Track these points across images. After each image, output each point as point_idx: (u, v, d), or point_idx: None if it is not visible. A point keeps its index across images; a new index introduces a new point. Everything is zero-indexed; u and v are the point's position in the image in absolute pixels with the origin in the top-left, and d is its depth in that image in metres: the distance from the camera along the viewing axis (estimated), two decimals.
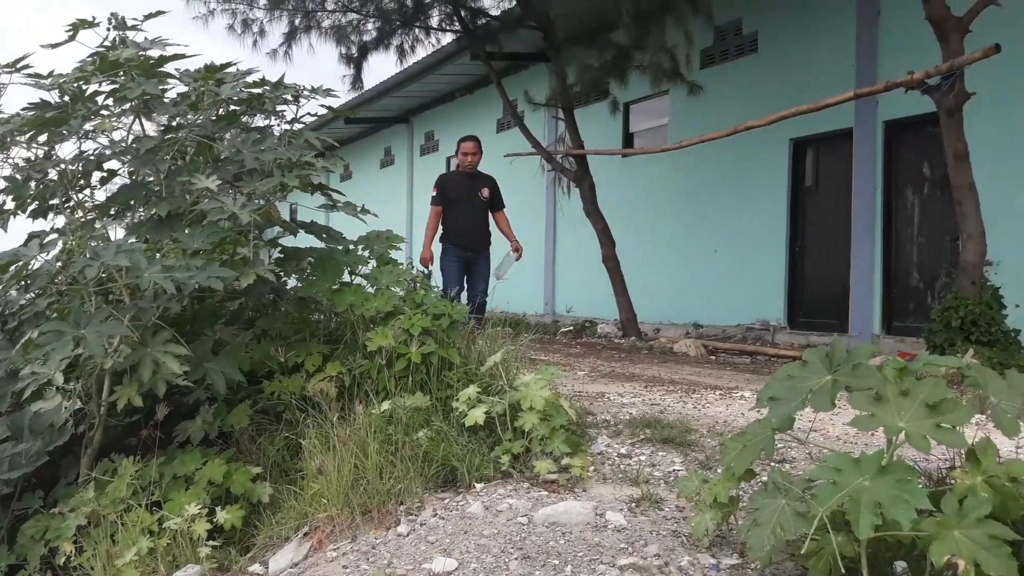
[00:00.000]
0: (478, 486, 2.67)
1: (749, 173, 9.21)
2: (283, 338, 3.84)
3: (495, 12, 9.72)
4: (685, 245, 9.93)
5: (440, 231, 6.48)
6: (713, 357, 7.05)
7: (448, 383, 3.37)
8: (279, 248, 4.16)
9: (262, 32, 9.78)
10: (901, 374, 1.96)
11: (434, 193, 6.46)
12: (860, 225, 7.97)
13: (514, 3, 9.13)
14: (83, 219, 3.85)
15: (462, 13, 9.53)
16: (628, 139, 11.13)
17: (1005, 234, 6.49)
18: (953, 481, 1.84)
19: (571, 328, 9.61)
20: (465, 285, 6.26)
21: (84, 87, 3.74)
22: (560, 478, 2.64)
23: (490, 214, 6.53)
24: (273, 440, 3.44)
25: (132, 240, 3.27)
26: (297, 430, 3.31)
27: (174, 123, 3.93)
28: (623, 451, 2.95)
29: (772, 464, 2.71)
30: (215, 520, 2.81)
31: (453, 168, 7.26)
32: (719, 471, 2.38)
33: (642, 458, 2.86)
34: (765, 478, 2.35)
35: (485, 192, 6.41)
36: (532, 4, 8.62)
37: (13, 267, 3.25)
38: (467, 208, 6.35)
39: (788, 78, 8.70)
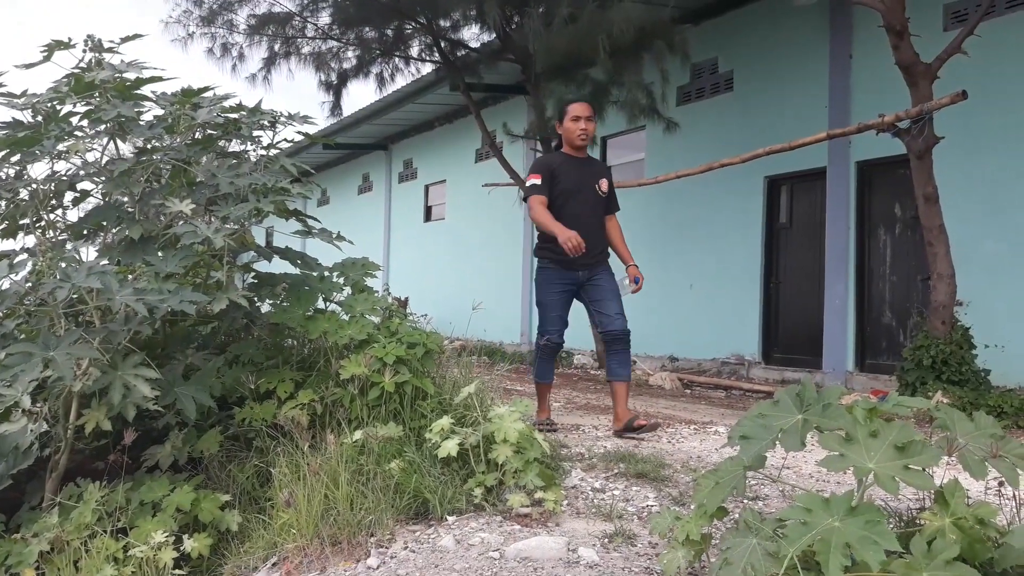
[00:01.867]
0: (450, 519, 2.64)
1: (724, 209, 9.32)
2: (255, 364, 3.80)
3: (475, 44, 9.81)
4: (661, 279, 9.99)
5: (535, 239, 4.60)
6: (688, 390, 7.07)
7: (422, 413, 3.35)
8: (253, 273, 4.14)
9: (241, 56, 9.80)
10: (871, 415, 1.98)
11: (536, 181, 4.36)
12: (834, 263, 8.09)
13: (494, 36, 9.22)
14: (54, 239, 3.81)
15: (442, 44, 9.61)
16: None
17: (975, 275, 6.62)
18: (922, 522, 1.85)
19: None
20: (568, 314, 4.47)
21: (58, 107, 3.72)
22: (533, 512, 2.63)
23: (605, 214, 4.51)
24: (243, 467, 3.39)
25: (104, 262, 3.23)
26: (268, 458, 3.27)
27: (149, 146, 3.91)
28: (597, 485, 2.94)
29: (744, 501, 2.71)
30: (182, 548, 2.76)
31: (550, 152, 4.99)
32: (692, 507, 2.38)
33: (616, 492, 2.86)
34: (738, 515, 2.36)
35: (603, 184, 4.43)
36: (511, 38, 8.73)
37: None
38: (581, 205, 4.32)
39: (763, 117, 8.85)
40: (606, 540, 2.41)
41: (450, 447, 2.83)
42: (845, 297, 7.95)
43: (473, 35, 9.63)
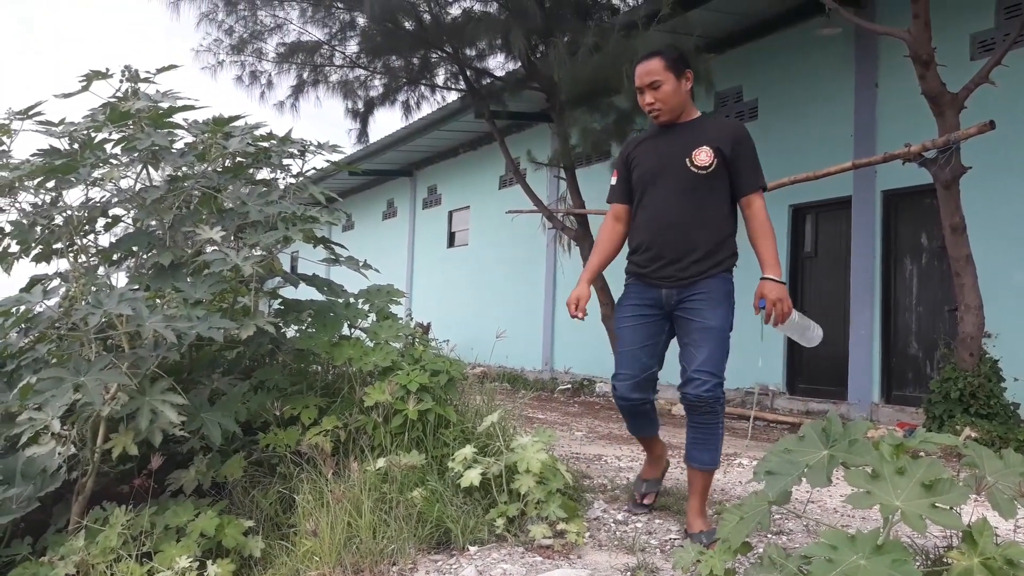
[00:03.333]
0: (472, 549, 2.64)
1: (746, 238, 9.29)
2: (280, 390, 3.83)
3: (500, 73, 9.91)
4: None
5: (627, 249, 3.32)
6: None
7: (444, 441, 3.36)
8: (279, 299, 4.19)
9: (270, 84, 9.97)
10: (897, 451, 1.96)
11: (612, 181, 3.33)
12: (859, 293, 8.02)
13: (519, 65, 9.32)
14: (86, 264, 3.88)
15: (467, 73, 9.72)
16: None
17: (1003, 306, 6.53)
18: (949, 562, 1.83)
19: (569, 386, 9.58)
20: (656, 352, 3.14)
21: (93, 135, 3.81)
22: (555, 543, 2.62)
23: (718, 200, 3.05)
24: (267, 493, 3.41)
25: (135, 288, 3.28)
26: (291, 484, 3.28)
27: (180, 173, 3.99)
28: (619, 517, 2.93)
29: (768, 537, 2.69)
30: (206, 574, 2.77)
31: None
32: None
33: (639, 525, 2.84)
34: (761, 550, 2.34)
35: (702, 155, 2.98)
36: (536, 66, 8.80)
37: (17, 311, 3.25)
38: (660, 193, 3.08)
39: (787, 146, 8.84)
40: (628, 574, 2.39)
41: (472, 477, 2.83)
42: (871, 327, 7.88)
43: (498, 64, 9.73)
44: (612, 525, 2.85)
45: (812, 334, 3.11)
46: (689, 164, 3.02)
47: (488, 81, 9.97)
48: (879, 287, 7.90)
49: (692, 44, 7.75)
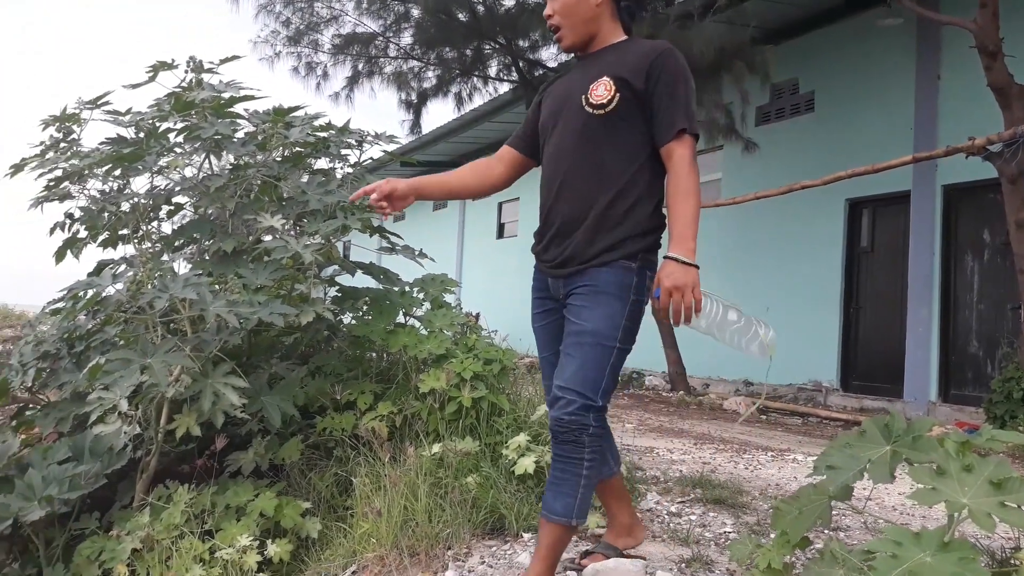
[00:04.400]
0: (526, 536, 2.66)
1: (803, 232, 9.15)
2: (336, 375, 3.90)
3: (553, 64, 9.90)
4: (736, 300, 9.82)
5: None
6: (764, 416, 6.94)
7: (497, 429, 3.38)
8: (337, 287, 4.25)
9: (325, 75, 10.10)
10: (963, 448, 1.93)
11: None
12: (917, 289, 7.85)
13: (572, 55, 9.29)
14: (151, 250, 3.99)
15: (520, 64, 9.72)
16: None
17: None
18: (1017, 562, 1.79)
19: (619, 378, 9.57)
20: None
21: (158, 125, 3.91)
22: None
23: (623, 154, 2.22)
24: (323, 476, 3.48)
25: (198, 273, 3.37)
26: (348, 467, 3.34)
27: (242, 162, 4.07)
28: (673, 509, 2.93)
29: (827, 532, 2.66)
30: (265, 553, 2.84)
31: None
32: (771, 536, 2.35)
33: (693, 518, 2.83)
34: (819, 546, 2.32)
35: (599, 89, 2.19)
36: None
37: (86, 294, 3.37)
38: (556, 143, 2.33)
39: (844, 138, 8.68)
40: (683, 565, 2.39)
41: (527, 464, 2.85)
42: (929, 325, 7.70)
43: (551, 55, 9.71)
44: (665, 517, 2.85)
45: (753, 341, 2.14)
46: (584, 103, 2.21)
47: (541, 72, 9.96)
48: (938, 284, 7.72)
49: (748, 35, 7.65)
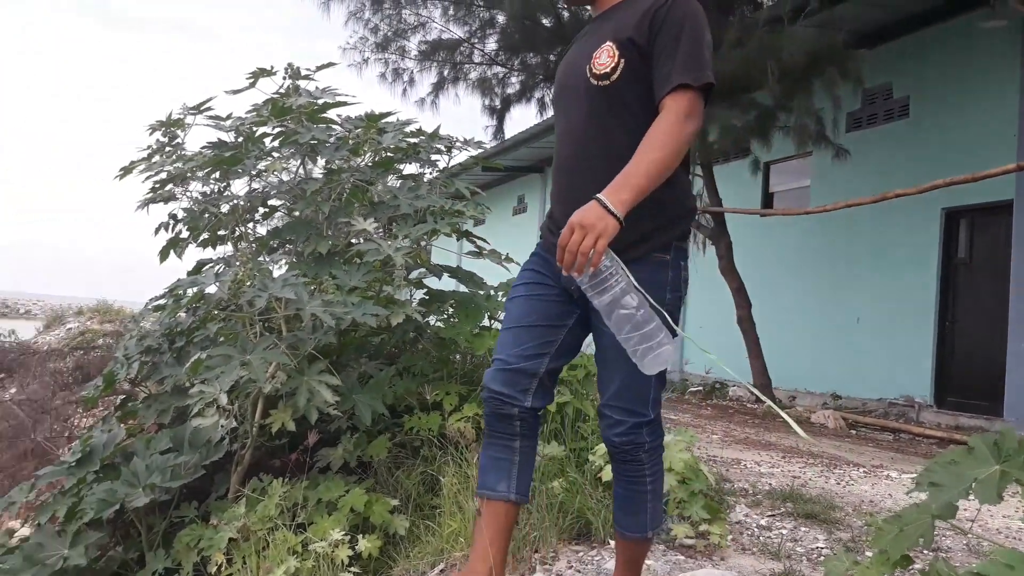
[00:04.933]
0: (612, 542, 2.66)
1: (897, 241, 8.85)
2: (423, 376, 3.96)
3: None
4: (825, 311, 9.59)
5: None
6: (853, 431, 6.74)
7: (582, 435, 3.39)
8: (425, 289, 4.33)
9: (412, 81, 10.27)
10: None
11: None
12: (1020, 304, 7.49)
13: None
14: (248, 250, 4.13)
15: None
16: (768, 199, 10.94)
17: None
18: None
19: (700, 388, 9.42)
20: (551, 341, 2.04)
21: (255, 129, 4.05)
22: (698, 544, 2.60)
23: (636, 129, 1.85)
24: (410, 474, 3.54)
25: (295, 274, 3.47)
26: (434, 467, 3.39)
27: (335, 166, 4.18)
28: (763, 523, 2.87)
29: (927, 552, 2.57)
30: (356, 548, 2.91)
31: None
32: (868, 554, 2.29)
33: (784, 532, 2.78)
34: (919, 566, 2.24)
35: (602, 56, 1.92)
36: None
37: (191, 292, 3.51)
38: (564, 115, 2.10)
39: (941, 146, 8.36)
40: None
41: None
42: None
43: None
44: (755, 530, 2.80)
45: (644, 343, 1.74)
46: (588, 73, 1.97)
47: None
48: None
49: (840, 39, 7.45)
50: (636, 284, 1.76)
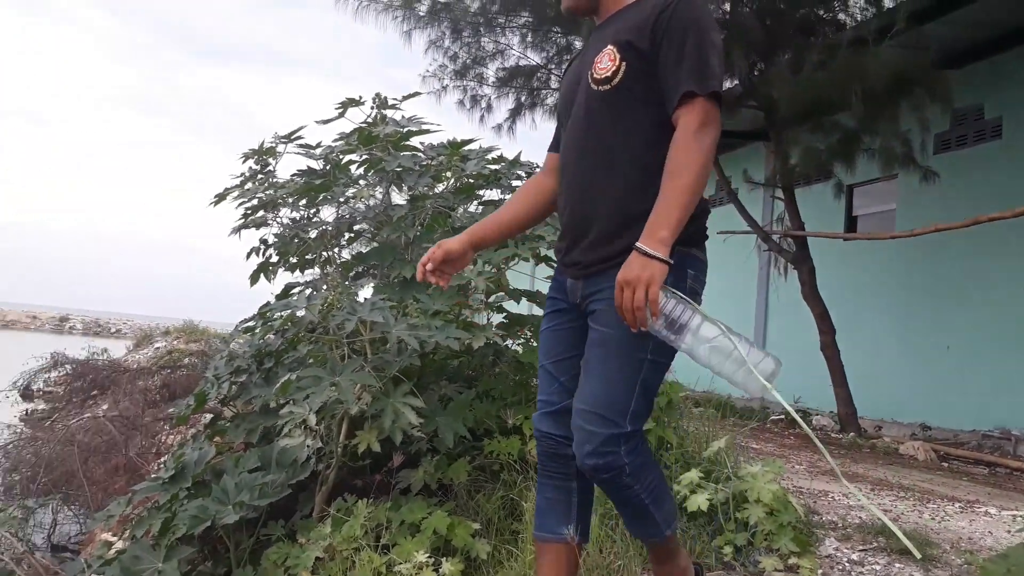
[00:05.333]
0: None
1: (990, 267, 8.51)
2: (502, 399, 3.99)
3: None
4: (913, 338, 9.27)
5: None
6: (945, 464, 6.47)
7: (665, 464, 3.35)
8: (504, 313, 4.36)
9: (489, 107, 10.40)
10: None
11: None
12: None
13: (734, 83, 9.13)
14: (335, 274, 4.25)
15: None
16: (851, 222, 10.67)
17: None
18: None
19: (782, 416, 9.19)
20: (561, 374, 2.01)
21: (341, 157, 4.17)
22: None
23: (636, 135, 1.86)
24: (490, 498, 3.56)
25: (382, 297, 3.55)
26: (515, 491, 3.40)
27: (418, 192, 4.27)
28: (854, 557, 2.78)
29: None
30: (440, 570, 2.93)
31: None
32: None
33: (877, 568, 2.69)
34: None
35: (603, 60, 1.87)
36: (754, 85, 8.58)
37: (282, 315, 3.62)
38: (569, 128, 2.01)
39: None
40: None
41: (700, 501, 2.80)
42: None
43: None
44: (847, 564, 2.71)
45: (739, 367, 1.68)
46: (591, 80, 1.91)
47: None
48: None
49: (928, 59, 7.24)
50: (702, 311, 1.71)
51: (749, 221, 9.34)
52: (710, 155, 1.74)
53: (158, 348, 16.75)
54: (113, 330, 43.10)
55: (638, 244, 1.68)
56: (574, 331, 1.98)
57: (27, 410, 11.79)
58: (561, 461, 1.98)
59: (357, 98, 4.11)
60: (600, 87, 1.87)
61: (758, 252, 10.77)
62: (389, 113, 4.18)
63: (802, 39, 7.88)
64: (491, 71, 10.10)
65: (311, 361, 3.72)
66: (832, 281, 9.55)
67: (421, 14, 9.36)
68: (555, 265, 2.10)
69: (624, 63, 1.83)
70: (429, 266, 2.13)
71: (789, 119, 8.15)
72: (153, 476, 4.30)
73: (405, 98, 4.17)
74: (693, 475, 2.95)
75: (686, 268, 1.83)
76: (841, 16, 8.39)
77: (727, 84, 9.46)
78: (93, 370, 12.27)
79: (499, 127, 10.35)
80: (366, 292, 4.32)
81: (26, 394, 12.41)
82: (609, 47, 1.87)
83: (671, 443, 3.43)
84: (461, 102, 10.37)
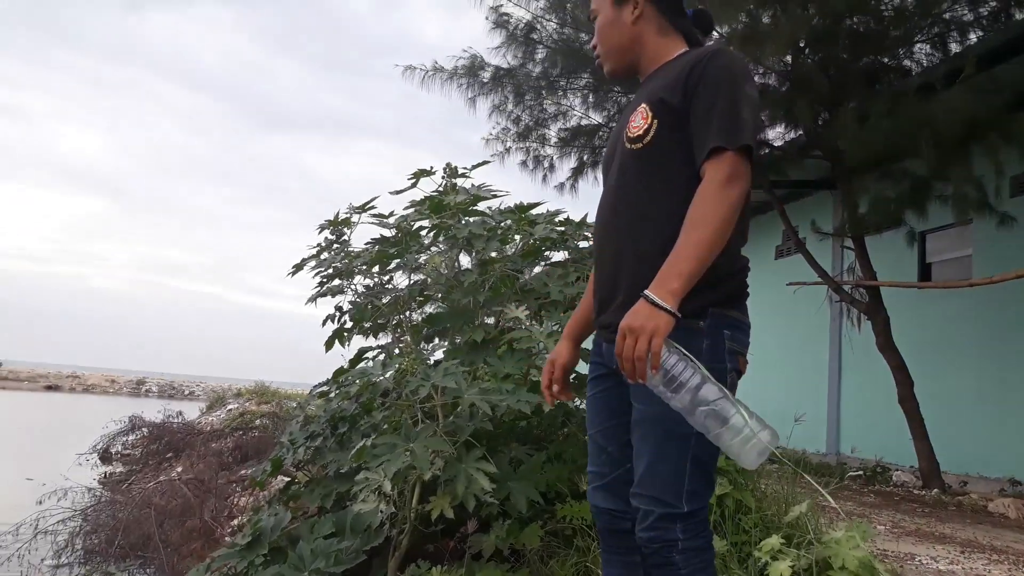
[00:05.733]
0: None
1: None
2: (573, 462, 3.96)
3: (778, 142, 9.70)
4: (996, 388, 8.89)
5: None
6: None
7: (744, 528, 3.27)
8: (574, 375, 4.36)
9: (551, 167, 10.55)
10: None
11: None
12: None
13: (798, 133, 9.07)
14: (406, 338, 4.32)
15: None
16: (925, 270, 10.38)
17: None
18: None
19: (860, 472, 8.88)
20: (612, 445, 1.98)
21: (411, 224, 4.28)
22: None
23: (669, 193, 1.81)
24: (563, 564, 3.51)
25: (455, 362, 3.59)
26: (589, 558, 3.36)
27: (487, 256, 4.34)
28: None
29: None
30: None
31: None
32: None
33: None
34: None
35: (636, 119, 1.87)
36: (819, 134, 8.51)
37: (359, 383, 3.69)
38: (603, 192, 2.04)
39: None
40: None
41: (782, 569, 2.72)
42: None
43: (777, 135, 9.54)
44: None
45: (735, 435, 1.59)
46: (625, 139, 1.90)
47: (765, 151, 9.80)
48: None
49: (1001, 102, 7.09)
50: (702, 369, 1.62)
51: (819, 271, 9.18)
52: (733, 209, 1.69)
53: (230, 410, 17.12)
54: (187, 392, 44.31)
55: (646, 292, 1.63)
56: (618, 396, 1.92)
57: (106, 473, 12.15)
58: (621, 536, 1.92)
59: (428, 168, 4.23)
60: (633, 145, 1.87)
61: (829, 303, 10.55)
62: (459, 181, 4.28)
63: (867, 87, 7.81)
64: (553, 132, 10.28)
65: (385, 427, 3.76)
66: (908, 331, 9.27)
67: (484, 81, 9.61)
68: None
69: (656, 121, 1.83)
70: (555, 388, 2.12)
71: (856, 168, 8.04)
72: (230, 542, 4.37)
73: (474, 167, 4.28)
74: (774, 541, 2.87)
75: (722, 329, 1.78)
76: (906, 62, 8.31)
77: (790, 135, 9.43)
78: (168, 432, 12.62)
79: (562, 186, 10.47)
80: (437, 354, 4.39)
81: (105, 457, 12.83)
82: (642, 105, 1.87)
83: (750, 507, 3.35)
84: (524, 162, 10.55)
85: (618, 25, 1.99)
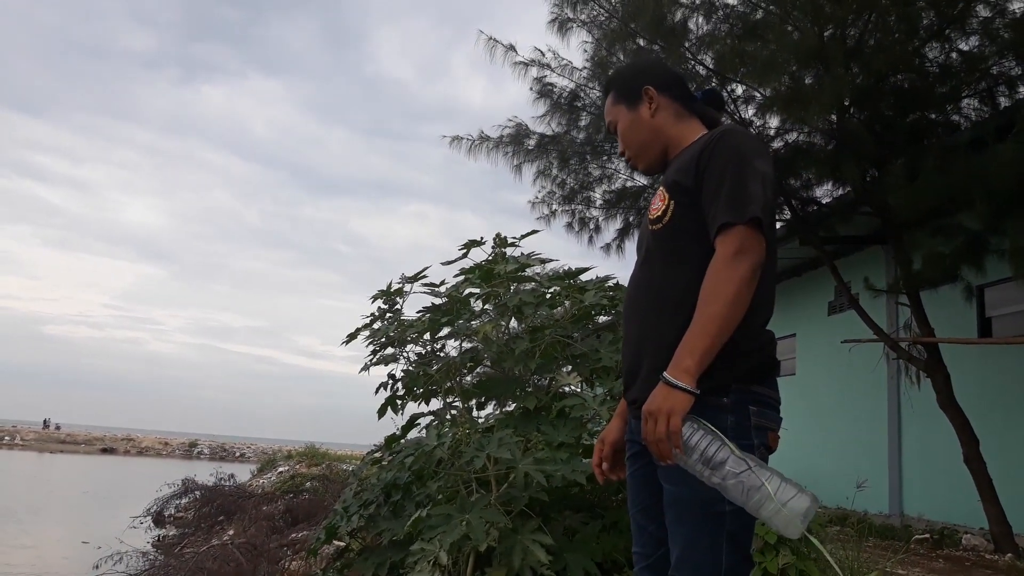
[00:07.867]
0: None
1: None
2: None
3: (826, 199, 9.65)
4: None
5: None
6: None
7: None
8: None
9: (597, 229, 10.62)
10: None
11: None
12: None
13: (846, 190, 9.01)
14: (457, 404, 4.34)
15: (793, 203, 9.59)
16: (984, 325, 10.11)
17: None
18: None
19: (927, 536, 8.56)
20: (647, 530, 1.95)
21: (461, 291, 4.34)
22: None
23: (686, 272, 1.82)
24: None
25: (508, 431, 3.60)
26: None
27: (537, 323, 4.37)
28: None
29: None
30: None
31: None
32: None
33: None
34: None
35: (655, 203, 1.95)
36: (868, 190, 8.46)
37: (415, 452, 3.71)
38: (632, 271, 2.08)
39: None
40: None
41: None
42: None
43: (825, 191, 9.49)
44: None
45: (768, 504, 1.56)
46: (649, 225, 1.97)
47: (814, 208, 9.74)
48: None
49: None
50: (728, 442, 1.62)
51: (874, 329, 9.01)
52: (745, 282, 1.70)
53: (281, 472, 17.22)
54: (238, 454, 44.71)
55: (664, 373, 1.66)
56: (654, 473, 1.86)
57: (159, 536, 12.24)
58: None
59: (479, 239, 4.31)
60: (654, 226, 1.93)
61: (886, 361, 10.31)
62: (509, 251, 4.35)
63: (914, 144, 7.77)
64: (598, 194, 10.37)
65: (440, 496, 3.77)
66: (970, 387, 9.01)
67: (530, 148, 9.79)
68: None
69: (673, 202, 1.88)
70: (605, 466, 2.11)
71: (907, 223, 7.95)
72: None
73: (523, 236, 4.35)
74: None
75: (747, 405, 1.75)
76: (954, 117, 8.25)
77: (838, 191, 9.38)
78: (220, 495, 12.71)
79: (608, 246, 10.52)
80: (488, 419, 4.40)
81: (158, 520, 12.95)
82: (661, 188, 1.94)
83: None
84: (570, 224, 10.63)
85: (638, 124, 2.06)
